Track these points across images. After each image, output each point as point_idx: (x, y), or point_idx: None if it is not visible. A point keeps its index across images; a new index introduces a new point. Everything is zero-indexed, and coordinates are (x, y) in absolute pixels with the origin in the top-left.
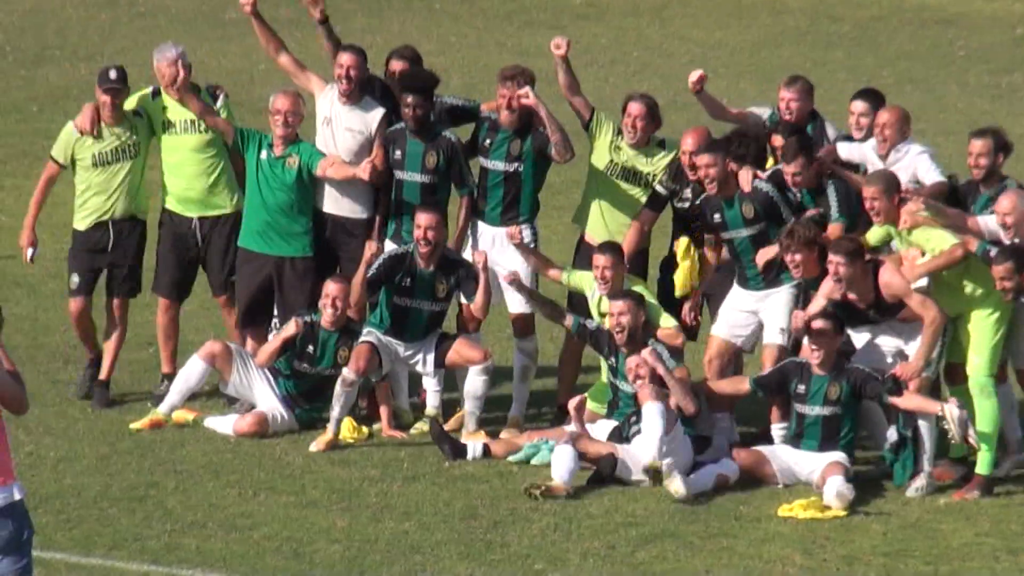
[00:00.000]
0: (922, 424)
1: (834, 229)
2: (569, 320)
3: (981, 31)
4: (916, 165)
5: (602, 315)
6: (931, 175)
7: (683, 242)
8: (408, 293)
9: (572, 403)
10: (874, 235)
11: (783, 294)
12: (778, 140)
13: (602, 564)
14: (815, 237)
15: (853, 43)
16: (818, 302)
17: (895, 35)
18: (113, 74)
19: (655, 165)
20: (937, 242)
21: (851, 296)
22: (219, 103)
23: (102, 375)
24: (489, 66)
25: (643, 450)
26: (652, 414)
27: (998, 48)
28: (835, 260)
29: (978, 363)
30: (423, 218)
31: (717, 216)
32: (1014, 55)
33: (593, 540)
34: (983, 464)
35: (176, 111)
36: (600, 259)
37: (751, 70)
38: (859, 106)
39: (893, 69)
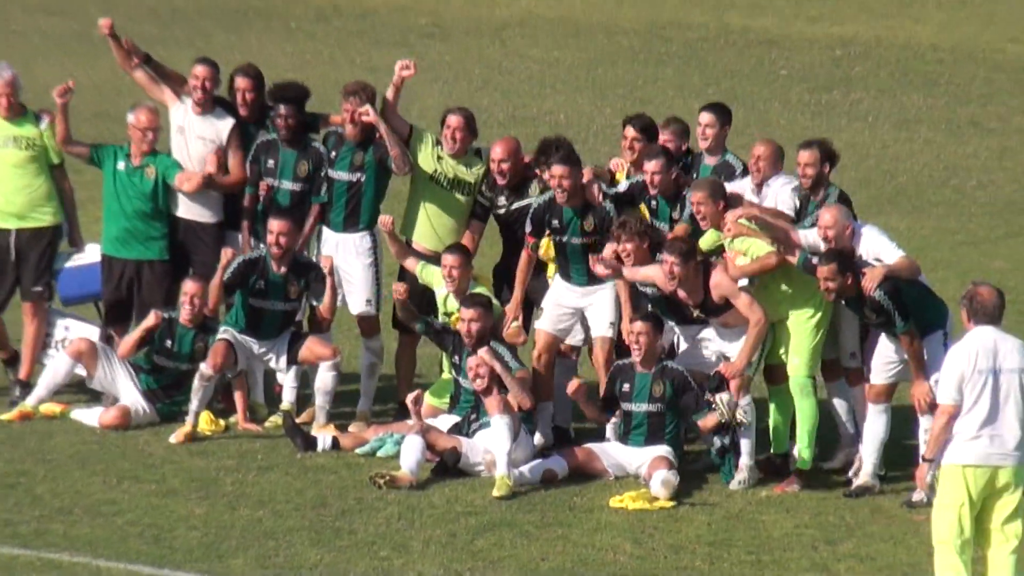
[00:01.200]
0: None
1: (679, 229)
2: (417, 322)
3: (802, 52)
4: (778, 196)
5: (447, 313)
6: (784, 205)
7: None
8: (262, 295)
9: (409, 398)
10: (706, 241)
11: (607, 291)
12: (630, 131)
13: (443, 551)
14: (646, 229)
15: (682, 62)
16: (643, 271)
17: (722, 55)
18: None
19: (475, 174)
20: (756, 249)
21: (681, 294)
22: (43, 125)
23: None
24: (341, 81)
25: (497, 465)
26: (500, 428)
27: (817, 68)
28: (669, 260)
29: (797, 364)
30: (276, 224)
31: (555, 222)
32: (832, 74)
33: (435, 528)
34: (803, 461)
35: None
36: (448, 259)
37: (587, 86)
38: (705, 117)
39: (719, 87)
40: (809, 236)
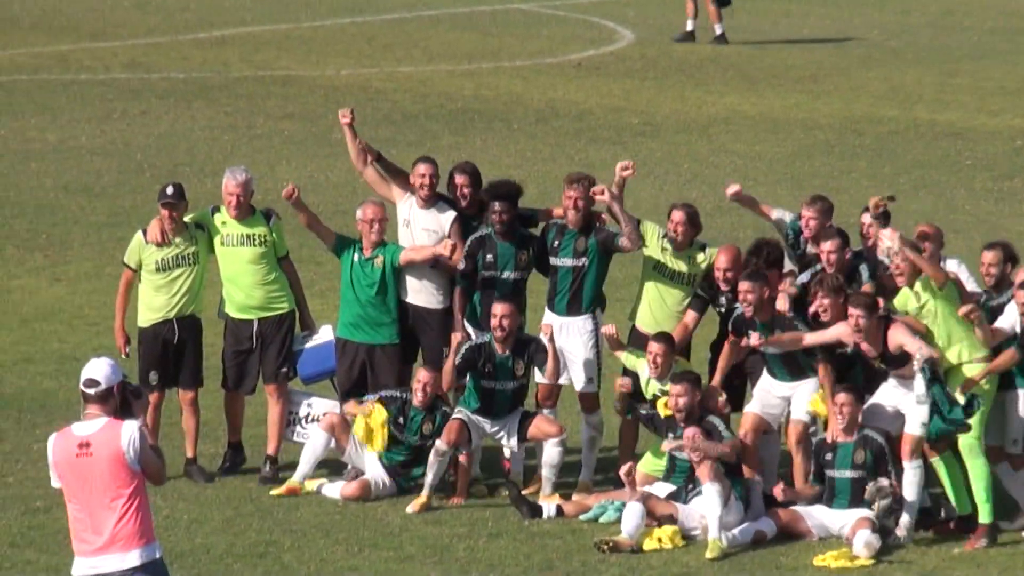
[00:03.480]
0: (908, 484)
1: (866, 287)
2: (627, 412)
3: (985, 143)
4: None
5: (653, 397)
6: (968, 284)
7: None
8: (491, 376)
9: (623, 470)
10: (898, 301)
11: (810, 383)
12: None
13: None
14: (841, 285)
15: (874, 154)
16: (827, 334)
17: (910, 147)
18: (170, 190)
19: (697, 267)
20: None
21: (864, 346)
22: (271, 223)
23: (189, 454)
24: (560, 176)
25: (709, 529)
26: (711, 494)
27: (1000, 157)
28: (854, 312)
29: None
30: (500, 308)
31: (750, 331)
32: (1014, 163)
33: None
34: (984, 514)
35: (232, 226)
36: (654, 347)
37: (786, 178)
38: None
39: (909, 176)
40: (1006, 322)
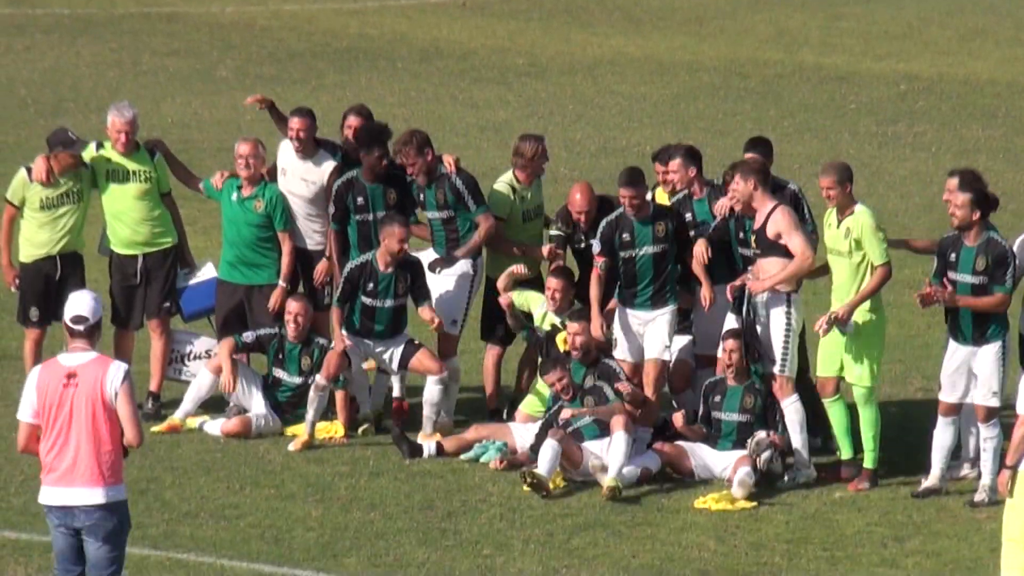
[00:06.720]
0: (789, 423)
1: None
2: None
3: (870, 87)
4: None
5: (552, 328)
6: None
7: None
8: (373, 294)
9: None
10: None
11: (666, 315)
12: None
13: (541, 550)
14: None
15: (759, 97)
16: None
17: (796, 90)
18: (74, 135)
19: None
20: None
21: (747, 213)
22: (155, 159)
23: None
24: (444, 117)
25: (609, 470)
26: (620, 443)
27: (884, 102)
28: (737, 178)
29: (860, 374)
30: (399, 230)
31: (627, 235)
32: (898, 108)
33: (534, 528)
34: (869, 460)
35: (118, 162)
36: (553, 282)
37: (671, 120)
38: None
39: (793, 120)
40: None
